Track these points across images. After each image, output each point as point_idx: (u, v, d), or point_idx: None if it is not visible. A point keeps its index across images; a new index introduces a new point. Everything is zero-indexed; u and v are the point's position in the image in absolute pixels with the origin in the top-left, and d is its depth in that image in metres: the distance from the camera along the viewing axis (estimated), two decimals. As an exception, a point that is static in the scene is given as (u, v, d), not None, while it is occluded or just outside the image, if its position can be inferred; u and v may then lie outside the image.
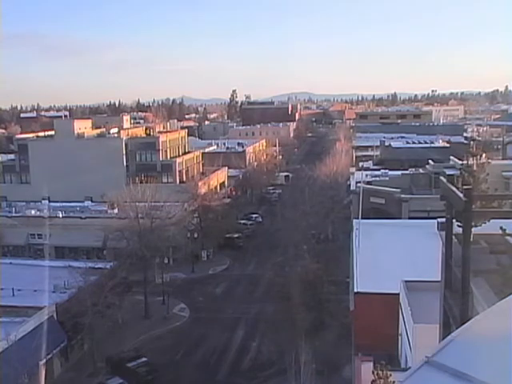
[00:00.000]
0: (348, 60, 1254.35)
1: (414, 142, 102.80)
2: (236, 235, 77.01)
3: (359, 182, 53.62)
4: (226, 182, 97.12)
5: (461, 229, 16.24)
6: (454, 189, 17.14)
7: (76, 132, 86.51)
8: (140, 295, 54.52)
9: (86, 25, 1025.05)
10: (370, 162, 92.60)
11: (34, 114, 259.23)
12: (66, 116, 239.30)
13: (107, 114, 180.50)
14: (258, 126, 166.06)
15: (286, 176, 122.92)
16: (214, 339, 48.22)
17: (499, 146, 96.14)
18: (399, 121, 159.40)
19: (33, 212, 72.47)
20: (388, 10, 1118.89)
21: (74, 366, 42.86)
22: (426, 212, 46.76)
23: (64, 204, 74.20)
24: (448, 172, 50.54)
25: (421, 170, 68.02)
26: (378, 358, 21.81)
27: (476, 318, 4.16)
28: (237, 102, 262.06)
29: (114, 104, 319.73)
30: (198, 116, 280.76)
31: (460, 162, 34.04)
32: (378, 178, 69.58)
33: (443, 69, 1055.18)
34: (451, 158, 68.41)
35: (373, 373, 20.36)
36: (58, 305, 43.74)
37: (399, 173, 68.41)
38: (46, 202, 75.56)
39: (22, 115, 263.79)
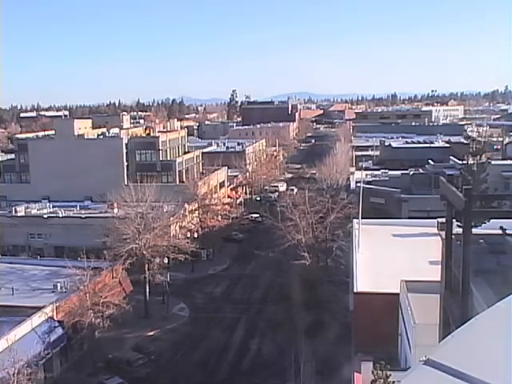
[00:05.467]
0: (348, 60, 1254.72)
1: (413, 142, 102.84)
2: (235, 235, 77.08)
3: (359, 182, 53.61)
4: (225, 182, 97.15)
5: (461, 229, 16.24)
6: (453, 189, 17.14)
7: (76, 132, 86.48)
8: (140, 295, 54.53)
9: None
10: (370, 161, 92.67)
11: (34, 114, 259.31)
12: (65, 116, 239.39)
13: (107, 114, 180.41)
14: (258, 125, 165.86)
15: (285, 176, 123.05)
16: (214, 339, 48.21)
17: (498, 147, 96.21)
18: (399, 121, 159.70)
19: (33, 212, 72.48)
20: (388, 10, 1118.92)
21: (73, 365, 42.85)
22: (426, 212, 46.80)
23: (64, 203, 74.21)
24: (448, 172, 50.64)
25: (421, 170, 68.09)
26: (378, 357, 21.81)
27: (476, 318, 4.14)
28: (237, 102, 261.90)
29: (114, 104, 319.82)
30: (197, 116, 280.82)
31: (460, 162, 34.08)
32: (377, 178, 69.66)
33: (443, 69, 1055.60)
34: (451, 158, 68.48)
35: (372, 373, 20.38)
36: (58, 304, 43.75)
37: (399, 173, 68.45)
38: (46, 201, 75.59)
39: (21, 115, 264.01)
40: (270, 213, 67.54)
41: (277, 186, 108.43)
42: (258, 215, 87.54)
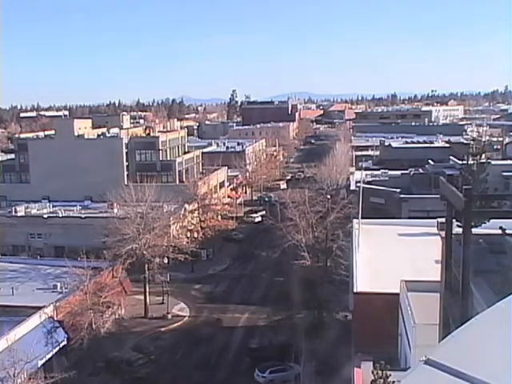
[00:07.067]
0: (348, 60, 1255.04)
1: (413, 142, 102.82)
2: (235, 235, 77.07)
3: (359, 182, 53.60)
4: (225, 182, 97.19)
5: (461, 229, 16.23)
6: (453, 189, 17.12)
7: (76, 132, 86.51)
8: (139, 295, 54.61)
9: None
10: (370, 161, 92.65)
11: (34, 114, 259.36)
12: (65, 116, 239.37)
13: (107, 114, 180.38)
14: (258, 125, 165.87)
15: (285, 176, 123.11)
16: (214, 339, 48.21)
17: (498, 147, 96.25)
18: (399, 121, 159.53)
19: (33, 212, 72.50)
20: (388, 10, 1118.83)
21: (73, 365, 42.82)
22: (426, 212, 46.76)
23: (64, 203, 74.26)
24: (448, 172, 50.66)
25: (421, 170, 68.11)
26: (378, 357, 21.80)
27: (476, 318, 4.14)
28: (236, 102, 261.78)
29: (114, 104, 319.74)
30: (197, 116, 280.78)
31: (460, 162, 34.08)
32: (377, 178, 69.65)
33: (443, 69, 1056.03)
34: (451, 158, 68.48)
35: (372, 372, 20.37)
36: (58, 304, 43.75)
37: (399, 173, 68.47)
38: (46, 201, 75.62)
39: (21, 115, 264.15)
40: (269, 213, 67.54)
41: (278, 186, 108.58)
42: (257, 215, 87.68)
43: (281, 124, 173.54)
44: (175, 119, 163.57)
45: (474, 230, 15.97)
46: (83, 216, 69.46)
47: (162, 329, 50.90)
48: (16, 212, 70.92)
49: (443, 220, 18.67)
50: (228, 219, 76.23)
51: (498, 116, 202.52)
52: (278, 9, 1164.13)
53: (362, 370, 25.16)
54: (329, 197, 61.52)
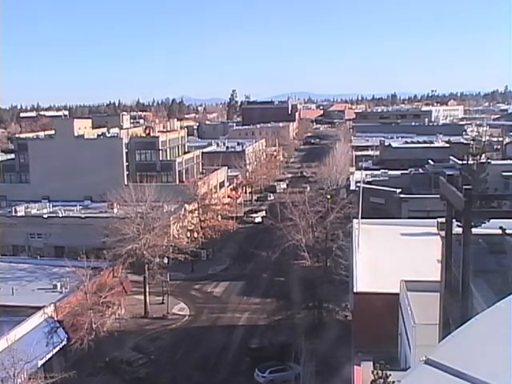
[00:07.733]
0: (348, 60, 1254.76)
1: (413, 142, 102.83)
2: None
3: (359, 182, 53.59)
4: (225, 182, 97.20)
5: (461, 229, 16.23)
6: (453, 189, 17.11)
7: (76, 132, 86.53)
8: (139, 295, 54.60)
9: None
10: (370, 161, 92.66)
11: (34, 114, 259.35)
12: (65, 116, 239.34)
13: (107, 114, 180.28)
14: (258, 125, 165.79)
15: (285, 176, 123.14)
16: (214, 339, 48.21)
17: (498, 147, 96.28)
18: (399, 121, 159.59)
19: (33, 212, 72.51)
20: (388, 10, 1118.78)
21: (73, 365, 42.84)
22: (426, 212, 46.74)
23: (64, 203, 74.25)
24: (448, 172, 50.56)
25: (421, 170, 68.13)
26: (378, 357, 21.82)
27: (476, 318, 4.14)
28: (236, 102, 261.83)
29: (114, 104, 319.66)
30: (197, 116, 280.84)
31: (460, 162, 34.07)
32: (377, 178, 69.66)
33: (443, 69, 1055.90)
34: (451, 158, 68.48)
35: (372, 372, 20.39)
36: (58, 304, 43.75)
37: (399, 173, 68.49)
38: (46, 201, 75.62)
39: (21, 115, 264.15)
40: (269, 212, 67.52)
41: (278, 186, 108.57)
42: (257, 215, 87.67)
43: (281, 124, 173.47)
44: (175, 119, 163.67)
45: (474, 230, 15.97)
46: (83, 216, 69.47)
47: (162, 329, 50.87)
48: (16, 212, 70.92)
49: (443, 220, 18.67)
50: (228, 219, 76.23)
51: (497, 116, 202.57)
52: (278, 9, 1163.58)
53: (361, 370, 25.17)
54: (329, 197, 61.49)
